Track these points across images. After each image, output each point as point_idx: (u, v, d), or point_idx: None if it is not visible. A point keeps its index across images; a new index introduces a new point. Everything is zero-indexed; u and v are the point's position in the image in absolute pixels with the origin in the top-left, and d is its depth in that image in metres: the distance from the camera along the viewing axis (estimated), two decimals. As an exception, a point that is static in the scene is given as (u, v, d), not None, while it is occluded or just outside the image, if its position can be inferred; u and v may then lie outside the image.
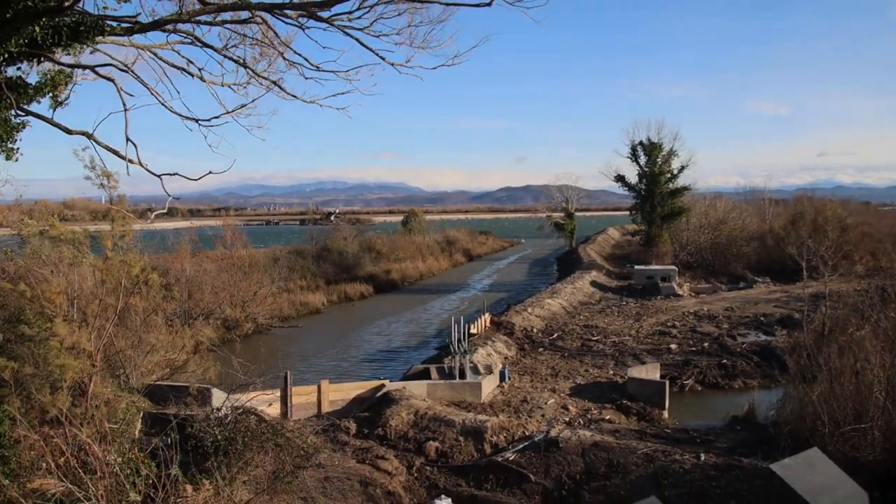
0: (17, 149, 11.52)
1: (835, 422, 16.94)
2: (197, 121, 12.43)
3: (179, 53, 12.26)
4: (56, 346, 13.37)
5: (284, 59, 12.25)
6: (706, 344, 39.21)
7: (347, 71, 12.40)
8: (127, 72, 11.74)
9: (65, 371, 12.75)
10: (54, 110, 11.59)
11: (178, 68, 12.32)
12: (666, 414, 27.44)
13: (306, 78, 12.47)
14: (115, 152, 12.01)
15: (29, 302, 18.45)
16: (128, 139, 11.81)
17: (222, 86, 12.67)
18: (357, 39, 11.71)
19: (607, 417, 26.51)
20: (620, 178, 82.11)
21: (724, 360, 34.60)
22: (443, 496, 18.33)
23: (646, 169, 79.37)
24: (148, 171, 12.24)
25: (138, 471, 10.78)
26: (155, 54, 12.06)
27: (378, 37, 11.75)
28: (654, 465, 18.91)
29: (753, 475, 17.11)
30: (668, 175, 78.53)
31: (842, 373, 18.13)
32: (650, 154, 78.37)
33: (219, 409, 16.82)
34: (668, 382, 29.14)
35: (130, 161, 11.94)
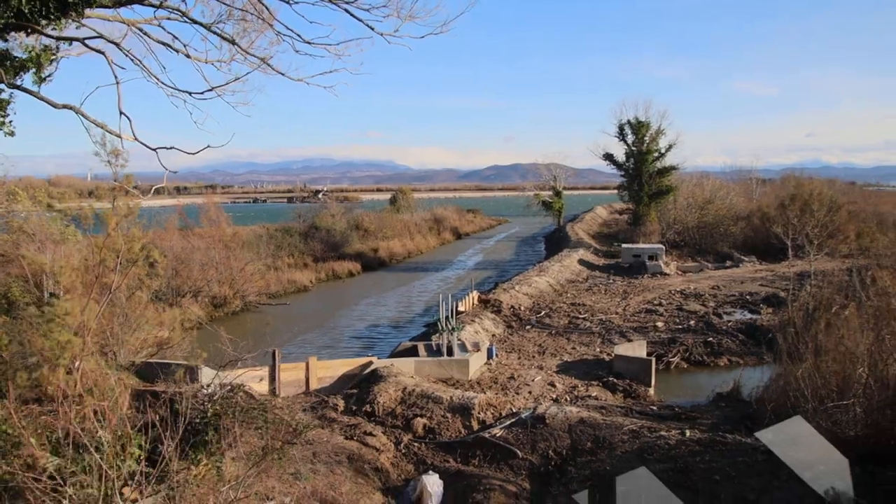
0: (11, 122, 11.40)
1: (818, 398, 17.12)
2: (189, 93, 12.31)
3: (165, 29, 12.11)
4: (58, 323, 13.34)
5: (274, 31, 12.15)
6: (692, 322, 39.49)
7: (337, 45, 12.30)
8: (115, 45, 11.60)
9: (64, 349, 12.73)
10: (40, 85, 11.45)
11: (164, 44, 12.18)
12: (652, 391, 27.68)
13: (296, 51, 12.37)
14: (105, 127, 11.90)
15: (15, 280, 18.37)
16: (121, 112, 11.68)
17: (206, 63, 12.55)
18: (346, 10, 11.62)
19: (594, 394, 26.71)
20: (609, 157, 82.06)
21: (710, 338, 34.87)
22: (430, 472, 18.45)
23: (633, 148, 79.33)
24: (143, 144, 12.12)
25: (125, 447, 10.80)
26: (140, 30, 11.92)
27: (368, 10, 11.67)
28: (640, 440, 19.09)
29: (737, 451, 17.33)
30: (656, 154, 78.53)
31: (826, 350, 18.32)
32: (638, 133, 78.29)
33: (208, 386, 16.84)
34: (654, 360, 29.38)
35: (121, 136, 11.83)
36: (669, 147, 78.66)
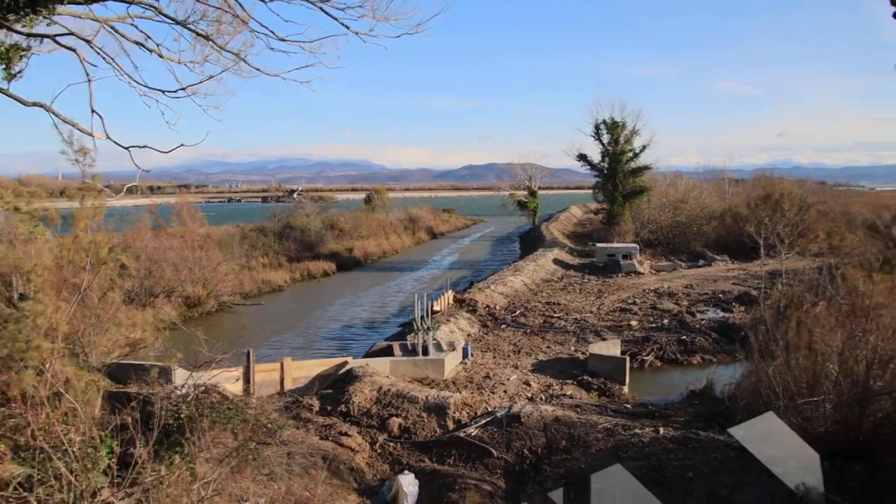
0: None
1: (789, 395, 17.33)
2: (162, 92, 12.16)
3: (138, 28, 11.96)
4: (27, 324, 13.09)
5: (249, 29, 12.04)
6: (666, 320, 39.80)
7: (312, 42, 12.22)
8: (87, 42, 11.44)
9: (34, 351, 12.50)
10: (10, 82, 11.25)
11: (136, 43, 12.03)
12: (626, 389, 27.85)
13: (270, 48, 12.28)
14: (76, 125, 11.72)
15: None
16: (93, 111, 11.49)
17: (179, 63, 12.42)
18: (321, 9, 11.56)
19: (568, 393, 26.84)
20: (583, 157, 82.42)
21: (684, 337, 35.18)
22: (406, 472, 18.42)
23: (608, 147, 79.79)
24: (116, 143, 11.94)
25: (97, 450, 10.66)
26: (113, 28, 11.77)
27: (343, 10, 11.61)
28: (614, 438, 19.21)
29: (710, 448, 17.49)
30: (630, 154, 79.04)
31: (797, 348, 18.54)
32: (613, 133, 78.75)
33: (182, 387, 16.68)
34: (628, 358, 29.60)
35: (93, 134, 11.65)
36: (644, 147, 79.29)
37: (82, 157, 15.88)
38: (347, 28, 11.94)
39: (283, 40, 12.28)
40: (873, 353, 15.45)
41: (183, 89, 12.25)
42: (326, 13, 11.69)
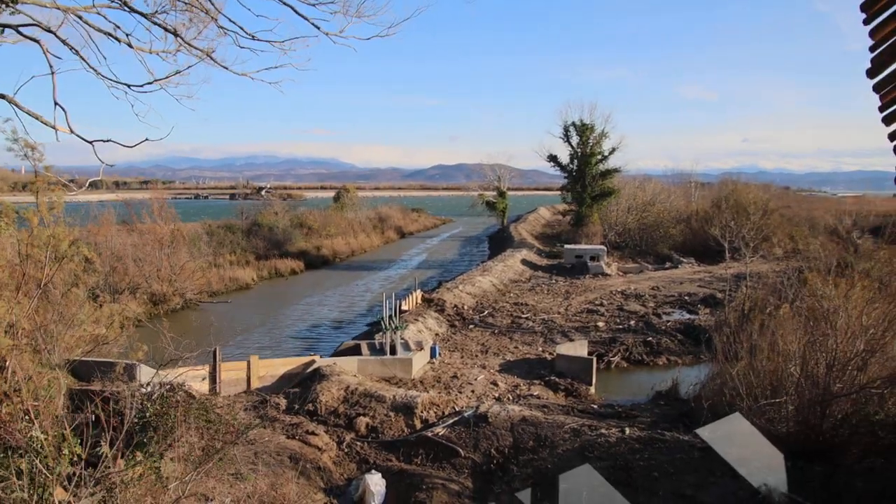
0: None
1: (752, 396, 17.62)
2: (128, 86, 11.97)
3: (106, 18, 11.76)
4: None
5: (218, 25, 11.90)
6: (633, 322, 40.16)
7: (283, 41, 12.12)
8: (51, 33, 11.23)
9: None
10: (-30, 73, 11.03)
11: (105, 33, 11.82)
12: (593, 390, 28.06)
13: (240, 47, 12.14)
14: (40, 118, 11.51)
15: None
16: (56, 103, 11.28)
17: (150, 53, 12.23)
18: (291, 7, 11.48)
19: (536, 393, 26.96)
20: (553, 158, 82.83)
21: (650, 338, 35.53)
22: (373, 471, 18.38)
23: (577, 150, 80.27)
24: (79, 137, 11.73)
25: (60, 448, 10.51)
26: (80, 17, 11.57)
27: (314, 5, 11.54)
28: (581, 439, 19.35)
29: (675, 448, 17.70)
30: (599, 156, 79.60)
31: (760, 349, 18.85)
32: (582, 135, 79.25)
33: (147, 385, 16.49)
34: (595, 359, 29.80)
35: (56, 128, 11.46)
36: (613, 150, 79.85)
37: (30, 152, 15.62)
38: (318, 28, 11.87)
39: (253, 38, 12.15)
40: (832, 355, 15.74)
41: (151, 83, 12.08)
42: (297, 12, 11.61)
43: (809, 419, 15.76)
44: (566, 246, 69.34)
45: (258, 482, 15.99)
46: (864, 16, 6.14)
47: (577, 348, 32.04)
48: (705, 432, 10.87)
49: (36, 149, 15.26)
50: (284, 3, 11.47)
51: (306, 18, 11.72)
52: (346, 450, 20.90)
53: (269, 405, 23.98)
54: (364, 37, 12.34)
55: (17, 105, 11.25)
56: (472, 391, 26.83)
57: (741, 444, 10.54)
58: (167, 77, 12.01)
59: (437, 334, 36.54)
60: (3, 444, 9.97)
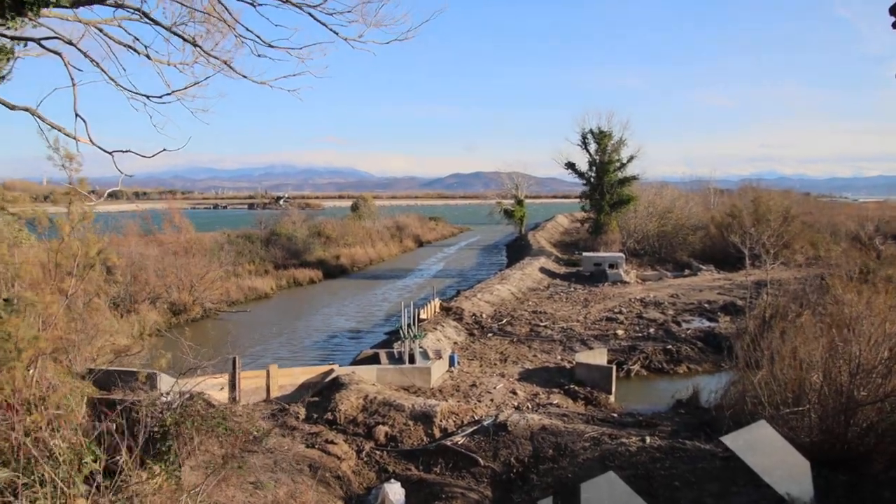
0: None
1: (774, 405, 17.41)
2: (147, 97, 12.09)
3: (126, 30, 11.89)
4: (16, 322, 12.91)
5: (236, 34, 11.99)
6: (652, 330, 39.92)
7: (300, 49, 12.18)
8: (73, 45, 11.36)
9: (27, 348, 12.31)
10: (-5, 87, 11.16)
11: (125, 45, 11.95)
12: (612, 398, 27.89)
13: (258, 55, 12.23)
14: (62, 129, 11.63)
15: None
16: (77, 115, 11.41)
17: (168, 65, 12.34)
18: (310, 14, 11.53)
19: (555, 402, 26.84)
20: (571, 166, 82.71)
21: (669, 346, 35.28)
22: (392, 480, 18.35)
23: (595, 157, 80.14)
24: (99, 148, 11.86)
25: (82, 457, 10.56)
26: (101, 30, 11.69)
27: (332, 14, 11.60)
28: (601, 448, 19.23)
29: (696, 457, 17.53)
30: (618, 163, 79.38)
31: (782, 357, 18.63)
32: (600, 142, 79.11)
33: (167, 394, 16.56)
34: (614, 367, 29.65)
35: (77, 139, 11.58)
36: (631, 157, 79.66)
37: (69, 163, 15.77)
38: (336, 34, 11.92)
39: (271, 46, 12.23)
40: (856, 363, 15.54)
41: (169, 94, 12.18)
42: (315, 18, 11.68)
43: (833, 428, 15.54)
44: (584, 254, 69.07)
45: (277, 491, 16.02)
46: (893, 19, 6.06)
47: (597, 356, 31.87)
48: (728, 441, 10.73)
49: (74, 159, 15.41)
50: (302, 10, 11.54)
51: (325, 25, 11.78)
52: (365, 459, 20.89)
53: (288, 414, 24.02)
54: (382, 41, 12.38)
55: (39, 117, 11.38)
56: (492, 400, 26.76)
57: (765, 453, 10.41)
58: (185, 88, 12.11)
59: (455, 343, 36.49)
60: (28, 453, 10.03)
